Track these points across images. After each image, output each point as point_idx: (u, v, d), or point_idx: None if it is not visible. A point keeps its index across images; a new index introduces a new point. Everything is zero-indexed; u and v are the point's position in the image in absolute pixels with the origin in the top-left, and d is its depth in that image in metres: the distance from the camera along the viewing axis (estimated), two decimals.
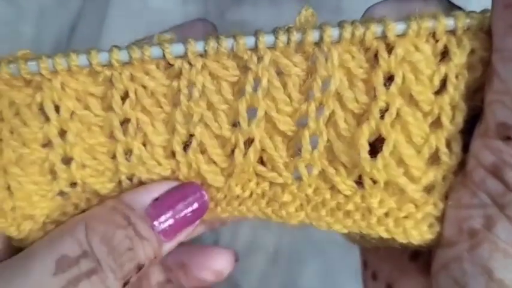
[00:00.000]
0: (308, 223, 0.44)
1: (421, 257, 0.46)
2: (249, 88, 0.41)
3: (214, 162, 0.44)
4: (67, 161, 0.43)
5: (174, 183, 0.45)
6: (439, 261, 0.41)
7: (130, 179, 0.44)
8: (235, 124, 0.43)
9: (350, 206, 0.42)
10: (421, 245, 0.43)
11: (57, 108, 0.42)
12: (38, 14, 0.76)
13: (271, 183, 0.44)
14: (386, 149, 0.40)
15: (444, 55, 0.40)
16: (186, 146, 0.44)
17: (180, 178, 0.44)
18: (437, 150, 0.41)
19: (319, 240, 0.74)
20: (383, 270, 0.48)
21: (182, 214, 0.44)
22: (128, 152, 0.44)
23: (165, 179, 0.45)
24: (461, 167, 0.41)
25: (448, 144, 0.41)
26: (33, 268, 0.40)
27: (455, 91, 0.40)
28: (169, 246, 0.45)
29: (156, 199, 0.44)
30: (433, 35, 0.39)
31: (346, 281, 0.73)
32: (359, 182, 0.43)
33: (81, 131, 0.43)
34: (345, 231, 0.43)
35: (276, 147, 0.43)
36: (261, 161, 0.44)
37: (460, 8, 0.41)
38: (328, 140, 0.42)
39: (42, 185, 0.44)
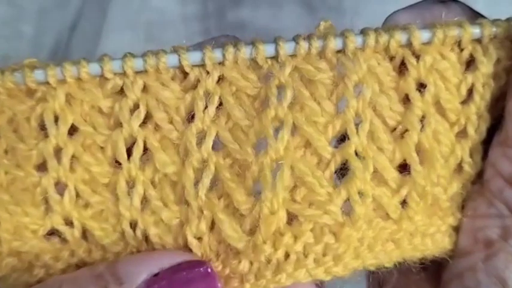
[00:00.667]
0: (358, 268, 0.38)
1: (430, 267, 0.44)
2: (273, 98, 0.36)
3: (232, 211, 0.37)
4: (63, 191, 0.37)
5: (182, 258, 0.36)
6: (453, 270, 0.40)
7: (133, 228, 0.37)
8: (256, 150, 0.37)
9: (401, 234, 0.38)
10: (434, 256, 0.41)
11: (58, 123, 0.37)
12: (38, 14, 0.75)
13: (314, 232, 0.36)
14: (436, 161, 0.38)
15: (469, 64, 0.39)
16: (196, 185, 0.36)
17: (187, 234, 0.36)
18: (461, 160, 0.39)
19: None
20: (390, 279, 0.47)
21: None
22: (131, 185, 0.37)
23: (175, 234, 0.37)
24: (478, 175, 0.40)
25: (471, 154, 0.40)
26: None
27: (481, 101, 0.38)
28: None
29: (156, 275, 0.34)
30: (458, 43, 0.38)
31: (346, 281, 0.72)
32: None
33: (80, 153, 0.37)
34: (392, 264, 0.39)
35: (313, 173, 0.36)
36: (293, 201, 0.37)
37: (480, 14, 0.40)
38: (373, 157, 0.37)
39: (34, 218, 0.37)
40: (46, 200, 0.38)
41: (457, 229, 0.41)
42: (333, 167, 0.37)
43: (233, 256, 0.36)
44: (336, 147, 0.38)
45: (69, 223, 0.38)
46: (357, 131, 0.37)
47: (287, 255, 0.36)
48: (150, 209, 0.37)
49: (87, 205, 0.38)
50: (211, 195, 0.37)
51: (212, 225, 0.37)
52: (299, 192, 0.37)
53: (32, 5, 0.75)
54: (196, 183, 0.37)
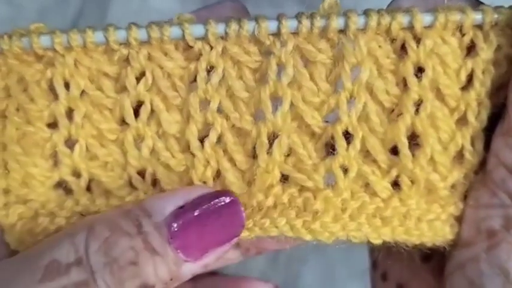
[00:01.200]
0: (342, 236, 0.39)
1: (433, 258, 0.44)
2: (272, 74, 0.38)
3: (234, 164, 0.40)
4: (72, 147, 0.40)
5: (206, 190, 0.38)
6: (455, 261, 0.40)
7: (142, 174, 0.40)
8: (255, 118, 0.39)
9: (388, 212, 0.39)
10: (436, 246, 0.41)
11: (67, 87, 0.39)
12: (38, 13, 0.75)
13: (300, 190, 0.39)
14: (426, 145, 0.38)
15: (470, 50, 0.39)
16: (202, 142, 0.39)
17: (193, 179, 0.39)
18: (462, 148, 0.39)
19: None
20: (394, 271, 0.47)
21: (211, 230, 0.36)
22: (139, 141, 0.40)
23: (181, 178, 0.40)
24: (481, 165, 0.40)
25: (472, 142, 0.39)
26: (23, 272, 0.35)
27: (481, 87, 0.38)
28: (193, 268, 0.37)
29: (182, 207, 0.36)
30: (460, 28, 0.38)
31: (346, 281, 0.72)
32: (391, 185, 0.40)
33: (90, 113, 0.40)
34: (380, 241, 0.40)
35: (304, 145, 0.39)
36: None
37: (483, 3, 0.40)
38: (362, 137, 0.39)
39: (43, 170, 0.40)
40: (54, 154, 0.40)
41: (459, 219, 0.40)
42: (323, 141, 0.39)
43: None
44: (327, 121, 0.39)
45: (76, 174, 0.40)
46: (349, 112, 0.38)
47: (275, 205, 0.39)
48: (157, 159, 0.40)
49: (94, 157, 0.40)
50: (216, 148, 0.39)
51: (217, 173, 0.39)
52: (291, 159, 0.39)
53: (32, 5, 0.75)
54: (201, 139, 0.39)
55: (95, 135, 0.40)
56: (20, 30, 0.38)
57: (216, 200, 0.37)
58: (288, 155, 0.39)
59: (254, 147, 0.39)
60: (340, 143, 0.38)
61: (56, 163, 0.40)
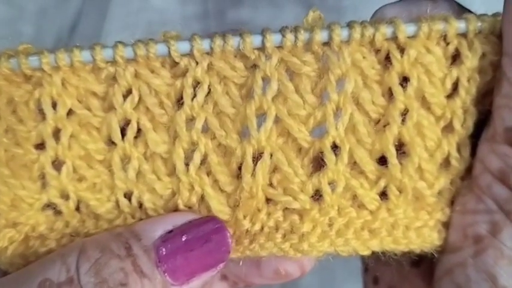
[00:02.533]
0: (330, 252, 0.39)
1: (423, 263, 0.45)
2: (257, 89, 0.38)
3: (219, 187, 0.39)
4: (60, 169, 0.39)
5: (194, 216, 0.39)
6: (443, 266, 0.40)
7: (128, 198, 0.40)
8: (242, 136, 0.39)
9: (376, 224, 0.39)
10: (424, 252, 0.42)
11: (55, 107, 0.39)
12: (38, 14, 0.75)
13: (285, 212, 0.39)
14: (414, 154, 0.39)
15: (455, 58, 0.39)
16: (187, 164, 0.39)
17: (178, 204, 0.39)
18: (448, 155, 0.40)
19: None
20: (384, 275, 0.47)
21: (198, 255, 0.37)
22: (126, 162, 0.39)
23: (166, 202, 0.40)
24: (467, 171, 0.40)
25: (458, 149, 0.40)
26: None
27: (466, 95, 0.39)
28: None
29: (170, 232, 0.37)
30: (444, 37, 0.38)
31: (346, 281, 0.72)
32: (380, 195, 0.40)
33: (78, 132, 0.39)
34: (369, 252, 0.40)
35: (290, 162, 0.39)
36: (270, 185, 0.40)
37: (469, 11, 0.40)
38: (350, 149, 0.39)
39: (31, 192, 0.40)
40: (43, 176, 0.40)
41: (446, 225, 0.41)
42: (311, 155, 0.39)
43: None
44: (316, 136, 0.39)
45: (64, 196, 0.40)
46: (336, 124, 0.38)
47: (262, 229, 0.39)
48: (144, 181, 0.40)
49: (82, 179, 0.40)
50: (200, 173, 0.39)
51: (202, 198, 0.39)
52: (276, 177, 0.39)
53: (32, 5, 0.75)
54: (186, 161, 0.39)
55: (82, 156, 0.40)
56: (8, 52, 0.38)
57: (204, 226, 0.38)
58: (273, 172, 0.39)
59: (239, 167, 0.39)
60: (330, 157, 0.38)
61: (44, 185, 0.40)
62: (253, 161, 0.38)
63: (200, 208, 0.40)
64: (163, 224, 0.38)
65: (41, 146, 0.40)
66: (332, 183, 0.39)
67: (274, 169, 0.39)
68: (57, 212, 0.41)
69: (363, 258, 0.51)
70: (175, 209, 0.40)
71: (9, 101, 0.40)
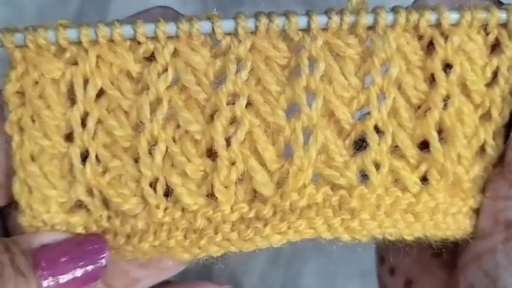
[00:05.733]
0: (377, 234, 0.37)
1: (444, 253, 0.43)
2: (305, 68, 0.36)
3: (263, 164, 0.37)
4: (85, 158, 0.37)
5: (74, 235, 0.37)
6: (471, 253, 0.39)
7: (154, 187, 0.36)
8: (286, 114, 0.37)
9: (420, 207, 0.38)
10: (455, 239, 0.40)
11: (85, 89, 0.36)
12: (38, 14, 0.72)
13: (333, 188, 0.37)
14: (456, 139, 0.37)
15: (494, 48, 0.38)
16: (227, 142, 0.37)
17: (214, 184, 0.36)
18: (484, 142, 0.38)
19: (320, 239, 0.72)
20: (402, 266, 0.46)
21: (74, 272, 0.36)
22: (153, 145, 0.36)
23: (198, 185, 0.37)
24: (500, 158, 0.39)
25: (494, 137, 0.39)
26: None
27: (505, 84, 0.38)
28: None
29: (45, 246, 0.36)
30: (484, 27, 0.37)
31: (346, 281, 0.71)
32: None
33: (105, 117, 0.36)
34: (412, 238, 0.38)
35: (335, 142, 0.37)
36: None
37: (502, 3, 0.39)
38: (392, 132, 0.37)
39: (61, 191, 0.37)
40: (70, 171, 0.37)
41: (477, 212, 0.39)
42: (352, 137, 0.38)
43: (259, 201, 0.37)
44: (359, 119, 0.37)
45: (91, 193, 0.37)
46: (379, 107, 0.37)
47: (310, 206, 0.37)
48: (172, 165, 0.37)
49: (105, 171, 0.37)
50: (243, 149, 0.36)
51: (242, 176, 0.37)
52: (320, 157, 0.37)
53: (32, 5, 0.72)
54: (226, 138, 0.36)
55: (107, 144, 0.37)
56: (45, 25, 0.35)
57: (83, 245, 0.37)
58: (318, 153, 0.37)
59: (285, 146, 0.37)
60: (373, 137, 0.37)
61: (71, 181, 0.37)
62: None
63: (238, 188, 0.37)
64: (40, 236, 0.37)
65: (69, 136, 0.37)
66: (376, 164, 0.37)
67: (320, 148, 0.37)
68: (88, 212, 0.38)
69: (378, 249, 0.49)
70: (208, 191, 0.37)
71: (36, 82, 0.36)
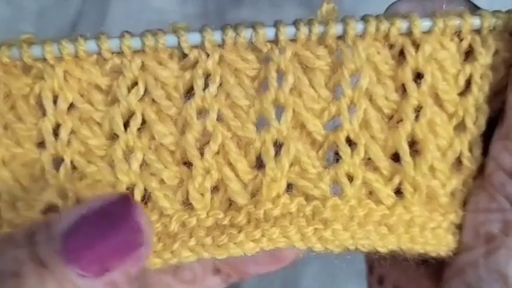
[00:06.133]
0: (350, 245, 0.37)
1: (430, 263, 0.43)
2: (273, 81, 0.36)
3: (237, 175, 0.37)
4: (59, 165, 0.37)
5: (101, 201, 0.34)
6: (454, 266, 0.38)
7: (131, 192, 0.37)
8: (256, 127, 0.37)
9: (394, 219, 0.37)
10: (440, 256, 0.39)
11: (55, 102, 0.36)
12: (38, 14, 0.73)
13: (307, 198, 0.37)
14: (427, 152, 0.37)
15: (468, 55, 0.37)
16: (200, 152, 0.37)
17: (189, 190, 0.36)
18: (460, 154, 0.38)
19: None
20: (390, 275, 0.45)
21: (107, 241, 0.32)
22: (129, 154, 0.36)
23: (175, 191, 0.37)
24: (479, 170, 0.38)
25: (470, 148, 0.38)
26: None
27: (479, 92, 0.37)
28: (95, 285, 0.32)
29: (77, 222, 0.33)
30: (458, 34, 0.37)
31: (346, 281, 0.71)
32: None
33: (78, 128, 0.36)
34: (385, 250, 0.38)
35: (307, 153, 0.37)
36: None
37: (479, 8, 0.38)
38: (365, 144, 0.37)
39: (33, 194, 0.37)
40: (43, 175, 0.37)
41: (461, 227, 0.39)
42: (325, 149, 0.37)
43: (234, 209, 0.37)
44: (333, 129, 0.37)
45: (64, 197, 0.37)
46: (350, 119, 0.36)
47: (284, 216, 0.37)
48: (149, 172, 0.37)
49: (82, 177, 0.37)
50: (217, 158, 0.37)
51: (216, 183, 0.37)
52: (293, 169, 0.37)
53: (32, 5, 0.73)
54: (199, 149, 0.36)
55: (82, 152, 0.37)
56: (8, 41, 0.35)
57: (113, 208, 0.33)
58: (291, 164, 0.37)
59: (257, 158, 0.37)
60: (345, 150, 0.36)
61: (44, 185, 0.37)
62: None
63: (214, 195, 0.37)
64: (76, 211, 0.33)
65: (42, 144, 0.37)
66: (349, 176, 0.37)
67: (293, 160, 0.37)
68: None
69: (367, 258, 0.49)
70: (184, 197, 0.37)
71: (7, 96, 0.37)
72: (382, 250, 0.38)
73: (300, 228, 0.36)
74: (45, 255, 0.31)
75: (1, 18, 0.72)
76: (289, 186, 0.38)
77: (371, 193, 0.38)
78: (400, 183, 0.37)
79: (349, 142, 0.37)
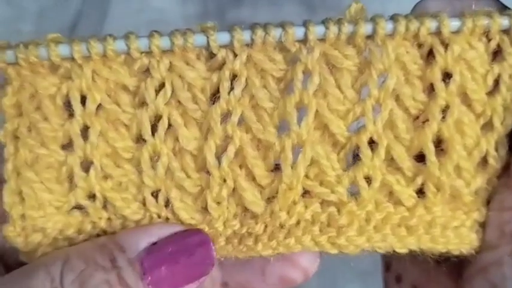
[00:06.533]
0: (367, 248, 0.37)
1: (449, 261, 0.42)
2: (298, 83, 0.35)
3: (253, 180, 0.37)
4: (87, 168, 0.37)
5: (178, 228, 0.37)
6: (477, 264, 0.38)
7: (155, 196, 0.37)
8: (278, 131, 0.37)
9: (414, 221, 0.37)
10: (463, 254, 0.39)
11: (83, 102, 0.36)
12: (38, 14, 0.72)
13: (323, 204, 0.37)
14: (453, 152, 0.36)
15: (496, 55, 0.37)
16: (219, 159, 0.37)
17: (208, 199, 0.37)
18: (486, 153, 0.37)
19: None
20: (409, 273, 0.45)
21: (181, 268, 0.35)
22: (155, 159, 0.37)
23: (195, 199, 0.38)
24: (504, 169, 0.38)
25: (496, 148, 0.38)
26: None
27: (507, 92, 0.36)
28: None
29: (154, 244, 0.36)
30: (486, 34, 0.36)
31: (346, 281, 0.71)
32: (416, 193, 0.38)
33: (106, 130, 0.36)
34: (406, 250, 0.38)
35: (327, 156, 0.37)
36: (307, 178, 0.37)
37: (508, 8, 0.38)
38: (387, 145, 0.37)
39: (58, 195, 0.37)
40: (69, 177, 0.37)
41: (484, 225, 0.39)
42: (347, 151, 0.37)
43: (250, 218, 0.37)
44: (356, 130, 0.37)
45: (91, 197, 0.37)
46: (375, 120, 0.36)
47: (298, 222, 0.37)
48: (172, 179, 0.37)
49: (108, 177, 0.37)
50: (233, 166, 0.37)
51: (233, 192, 0.37)
52: (313, 170, 0.37)
53: (32, 5, 0.72)
54: (218, 156, 0.37)
55: (109, 153, 0.37)
56: (36, 40, 0.35)
57: (189, 239, 0.36)
58: (310, 165, 0.37)
59: (275, 162, 0.37)
60: (366, 152, 0.36)
61: (71, 186, 0.37)
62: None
63: (229, 202, 0.37)
64: (148, 235, 0.36)
65: (66, 145, 0.37)
66: (368, 178, 0.37)
67: (312, 162, 0.37)
68: (84, 213, 0.38)
69: (384, 256, 0.49)
70: (204, 205, 0.38)
71: (32, 97, 0.36)
72: (401, 251, 0.38)
73: (313, 237, 0.37)
74: (131, 280, 0.34)
75: (1, 18, 0.71)
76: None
77: (391, 194, 0.38)
78: (423, 184, 0.37)
79: (372, 143, 0.37)
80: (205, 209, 0.38)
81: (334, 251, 0.37)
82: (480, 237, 0.39)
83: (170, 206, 0.38)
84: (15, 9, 0.72)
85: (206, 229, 0.38)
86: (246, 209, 0.38)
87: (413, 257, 0.41)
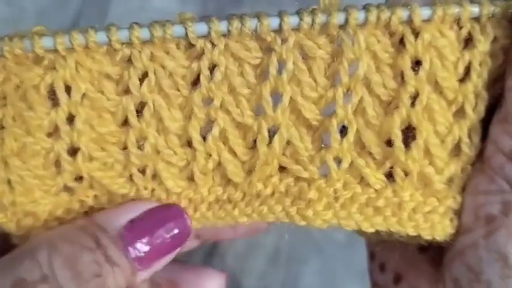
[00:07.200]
0: (334, 223, 0.39)
1: (430, 249, 0.43)
2: (273, 70, 0.37)
3: (235, 155, 0.40)
4: (73, 152, 0.38)
5: (153, 204, 0.39)
6: (454, 249, 0.39)
7: (142, 171, 0.39)
8: (256, 112, 0.39)
9: (381, 202, 0.39)
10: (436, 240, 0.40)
11: (67, 92, 0.38)
12: (38, 14, 0.74)
13: (296, 179, 0.40)
14: (420, 138, 0.38)
15: (467, 43, 0.38)
16: (203, 137, 0.39)
17: (194, 171, 0.40)
18: (459, 140, 0.38)
19: (319, 240, 0.72)
20: (391, 262, 0.46)
21: (160, 240, 0.38)
22: (141, 141, 0.39)
23: (181, 170, 0.40)
24: (478, 156, 0.39)
25: (469, 135, 0.38)
26: None
27: (478, 79, 0.37)
28: (144, 275, 0.38)
29: (132, 221, 0.38)
30: (457, 21, 0.37)
31: (346, 281, 0.71)
32: (387, 176, 0.39)
33: (91, 117, 0.38)
34: (372, 230, 0.39)
35: (301, 138, 0.39)
36: (284, 155, 0.40)
37: None
38: (357, 130, 0.39)
39: (46, 180, 0.39)
40: (56, 162, 0.38)
41: (459, 213, 0.39)
42: (320, 133, 0.39)
43: (231, 186, 0.40)
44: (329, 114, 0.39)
45: (78, 179, 0.39)
46: (345, 106, 0.38)
47: (273, 193, 0.40)
48: (158, 155, 0.39)
49: (93, 159, 0.39)
50: (217, 142, 0.39)
51: (218, 165, 0.40)
52: (289, 149, 0.39)
53: (32, 5, 0.74)
54: (202, 135, 0.39)
55: (94, 138, 0.39)
56: (21, 33, 0.36)
57: (164, 213, 0.39)
58: (286, 146, 0.39)
59: (254, 140, 0.39)
60: (334, 136, 0.38)
61: (58, 170, 0.39)
62: (268, 135, 0.39)
63: (215, 174, 0.40)
64: (125, 213, 0.38)
65: (52, 134, 0.38)
66: (338, 160, 0.39)
67: (287, 142, 0.39)
68: (71, 193, 0.40)
69: (368, 245, 0.50)
70: (190, 176, 0.40)
71: (17, 87, 0.38)
72: (368, 230, 0.39)
73: (284, 207, 0.39)
74: (116, 256, 0.36)
75: (1, 18, 0.73)
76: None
77: (363, 177, 0.39)
78: (391, 168, 0.39)
79: (345, 127, 0.39)
80: (190, 179, 0.40)
81: (302, 223, 0.39)
82: (455, 224, 0.39)
83: (157, 178, 0.40)
84: (15, 9, 0.73)
85: (191, 195, 0.40)
86: (228, 180, 0.40)
87: (395, 245, 0.43)
